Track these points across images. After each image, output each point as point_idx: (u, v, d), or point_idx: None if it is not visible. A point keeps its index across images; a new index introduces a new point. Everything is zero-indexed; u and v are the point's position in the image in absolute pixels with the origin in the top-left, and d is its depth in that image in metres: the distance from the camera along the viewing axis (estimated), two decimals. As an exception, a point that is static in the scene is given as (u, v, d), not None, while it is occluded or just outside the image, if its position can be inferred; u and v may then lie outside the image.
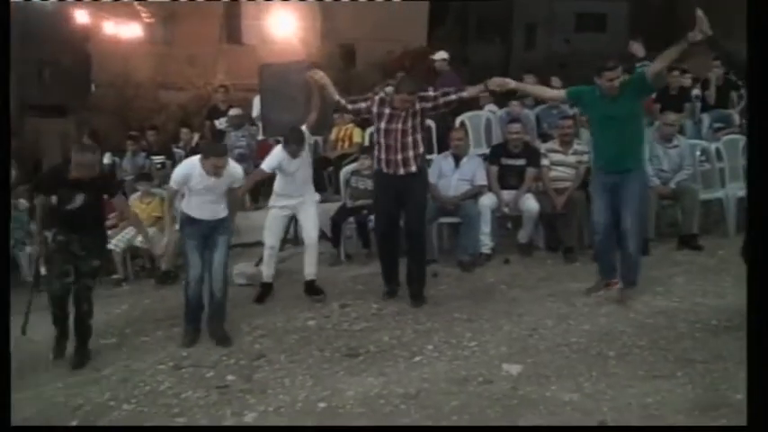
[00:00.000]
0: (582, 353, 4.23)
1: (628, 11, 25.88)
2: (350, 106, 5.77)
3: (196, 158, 5.23)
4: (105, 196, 5.26)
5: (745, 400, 3.17)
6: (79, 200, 5.00)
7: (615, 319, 4.73)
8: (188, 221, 5.27)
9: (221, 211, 5.29)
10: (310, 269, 5.93)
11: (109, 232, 7.22)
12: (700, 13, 4.58)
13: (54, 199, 5.04)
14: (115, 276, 7.30)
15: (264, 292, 6.03)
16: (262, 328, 5.35)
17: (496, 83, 5.41)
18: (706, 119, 8.29)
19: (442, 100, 5.59)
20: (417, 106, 5.48)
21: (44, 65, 23.57)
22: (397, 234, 5.59)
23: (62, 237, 5.08)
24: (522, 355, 4.28)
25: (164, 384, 4.57)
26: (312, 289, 5.92)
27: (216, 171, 5.05)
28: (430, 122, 7.92)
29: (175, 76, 19.33)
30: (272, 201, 6.08)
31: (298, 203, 5.96)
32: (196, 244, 5.22)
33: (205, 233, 5.25)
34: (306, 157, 5.93)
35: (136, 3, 14.59)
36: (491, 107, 8.78)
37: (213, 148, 5.34)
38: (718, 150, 6.94)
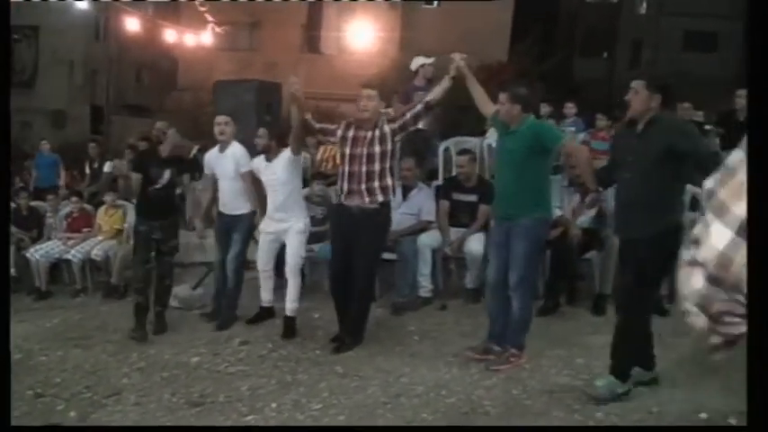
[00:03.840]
0: (414, 435, 3.64)
1: (743, 30, 23.79)
2: (317, 126, 5.35)
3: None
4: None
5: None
6: (166, 176, 5.62)
7: (491, 396, 4.04)
8: (217, 216, 5.97)
9: (240, 207, 5.77)
10: (289, 304, 5.43)
11: (70, 242, 7.30)
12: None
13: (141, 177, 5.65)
14: (75, 287, 7.28)
15: (261, 316, 5.70)
16: (146, 360, 5.09)
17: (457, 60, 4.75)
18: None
19: (409, 115, 4.97)
20: (386, 128, 4.96)
21: (141, 68, 24.87)
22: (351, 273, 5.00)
23: (144, 227, 5.68)
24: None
25: (16, 412, 4.38)
26: (289, 329, 5.38)
27: (219, 130, 5.72)
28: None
29: (251, 83, 19.63)
30: (262, 224, 5.67)
31: (283, 230, 5.52)
32: (219, 235, 5.91)
33: (226, 228, 5.84)
34: (289, 174, 5.49)
35: (205, 12, 14.79)
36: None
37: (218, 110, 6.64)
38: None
